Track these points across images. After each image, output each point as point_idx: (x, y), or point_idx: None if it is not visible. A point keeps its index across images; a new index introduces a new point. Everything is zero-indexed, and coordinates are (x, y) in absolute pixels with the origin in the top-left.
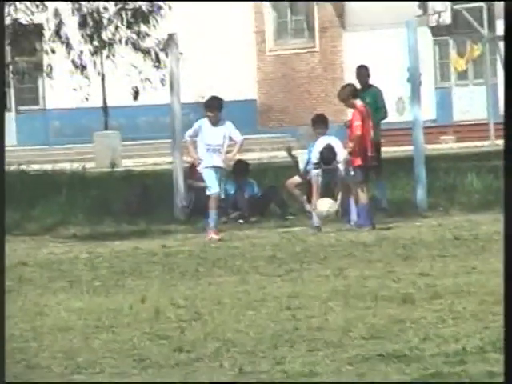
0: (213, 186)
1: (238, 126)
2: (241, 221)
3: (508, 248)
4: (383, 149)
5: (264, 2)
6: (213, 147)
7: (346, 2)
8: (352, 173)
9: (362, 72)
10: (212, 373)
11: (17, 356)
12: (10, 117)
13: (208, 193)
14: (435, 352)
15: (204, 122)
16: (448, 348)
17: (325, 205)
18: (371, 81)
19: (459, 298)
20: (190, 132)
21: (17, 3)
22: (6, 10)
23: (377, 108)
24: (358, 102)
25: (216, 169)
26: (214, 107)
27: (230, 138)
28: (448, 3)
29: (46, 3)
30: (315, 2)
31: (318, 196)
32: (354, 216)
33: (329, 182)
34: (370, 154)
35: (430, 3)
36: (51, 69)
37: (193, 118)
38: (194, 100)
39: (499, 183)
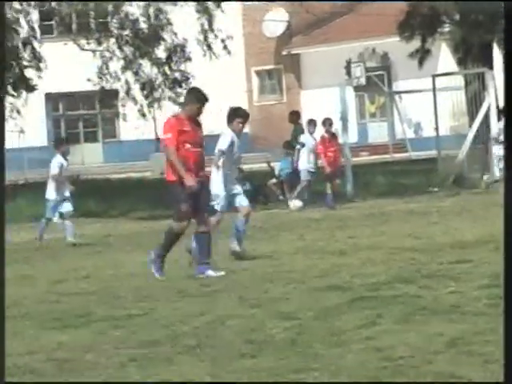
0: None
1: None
2: None
3: (508, 247)
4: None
5: (252, 72)
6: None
7: (303, 72)
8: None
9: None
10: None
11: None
12: (99, 145)
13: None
14: (360, 283)
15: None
16: (368, 281)
17: (297, 204)
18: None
19: (373, 251)
20: None
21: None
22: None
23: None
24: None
25: None
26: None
27: None
28: (363, 71)
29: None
30: (283, 73)
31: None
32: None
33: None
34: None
35: (352, 72)
36: (124, 116)
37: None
38: (206, 133)
39: (396, 179)
